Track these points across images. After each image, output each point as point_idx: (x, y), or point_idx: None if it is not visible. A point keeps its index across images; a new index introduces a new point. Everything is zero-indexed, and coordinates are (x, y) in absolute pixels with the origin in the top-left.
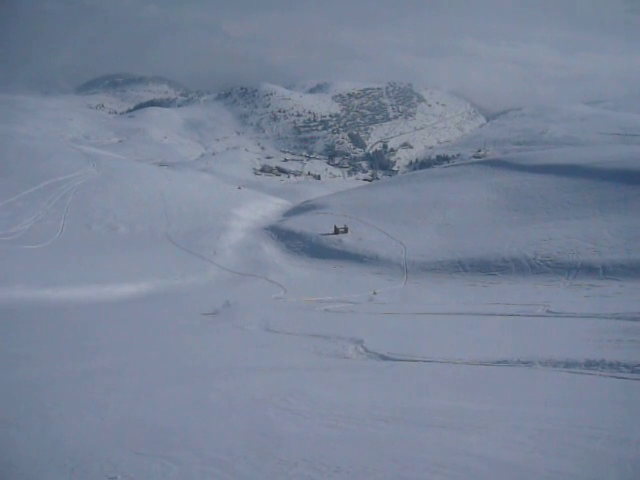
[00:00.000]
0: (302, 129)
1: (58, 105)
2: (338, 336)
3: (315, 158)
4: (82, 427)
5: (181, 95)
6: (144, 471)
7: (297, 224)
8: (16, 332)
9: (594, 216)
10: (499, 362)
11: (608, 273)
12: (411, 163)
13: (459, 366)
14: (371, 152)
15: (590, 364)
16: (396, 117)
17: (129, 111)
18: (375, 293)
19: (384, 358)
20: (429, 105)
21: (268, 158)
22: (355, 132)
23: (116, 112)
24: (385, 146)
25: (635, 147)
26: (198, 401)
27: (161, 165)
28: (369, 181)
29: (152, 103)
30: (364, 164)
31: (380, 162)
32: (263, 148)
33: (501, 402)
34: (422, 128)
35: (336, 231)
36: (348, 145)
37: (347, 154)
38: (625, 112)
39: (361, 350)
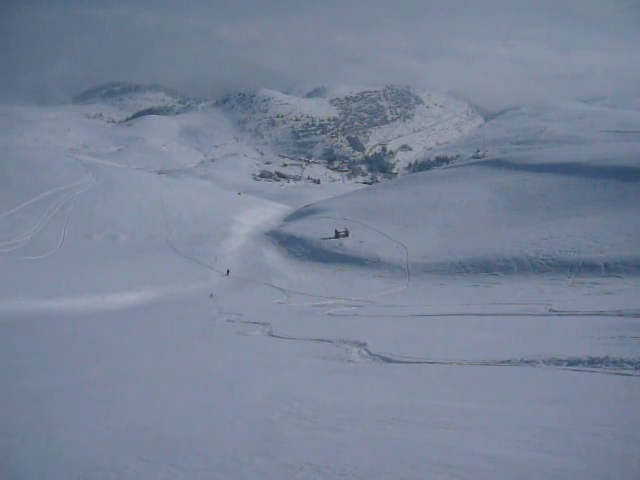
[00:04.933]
0: (300, 134)
1: (56, 115)
2: (341, 340)
3: (314, 162)
4: (87, 436)
5: (179, 102)
6: (150, 478)
7: (298, 229)
8: (18, 343)
9: (595, 214)
10: (502, 362)
11: (610, 270)
12: (410, 165)
13: (462, 367)
14: (370, 155)
15: (594, 362)
16: (394, 119)
17: (127, 120)
18: (212, 295)
19: (387, 361)
20: (427, 107)
21: (267, 163)
22: (354, 135)
23: (114, 121)
24: (384, 149)
25: (634, 144)
26: (202, 407)
27: (160, 173)
28: (369, 184)
29: (150, 111)
30: (363, 167)
31: (379, 165)
32: (262, 154)
33: (505, 401)
34: (420, 130)
35: (337, 235)
36: (347, 149)
37: (346, 158)
38: (624, 109)
39: (364, 353)
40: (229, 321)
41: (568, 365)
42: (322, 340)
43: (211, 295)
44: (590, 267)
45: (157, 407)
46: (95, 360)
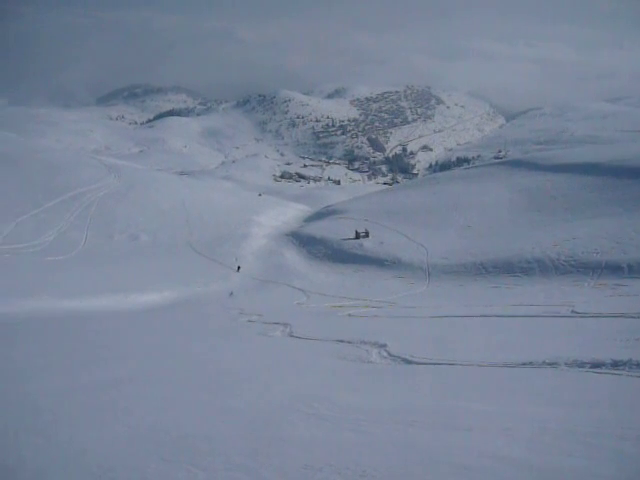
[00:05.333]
0: (321, 134)
1: (79, 117)
2: (361, 341)
3: (334, 163)
4: (108, 435)
5: (200, 104)
6: (171, 478)
7: (318, 229)
8: (41, 342)
9: (617, 214)
10: (524, 364)
11: (633, 272)
12: (431, 166)
13: (484, 368)
14: (390, 156)
15: (617, 364)
16: (415, 120)
17: (149, 121)
18: (232, 293)
19: (408, 362)
20: (448, 107)
21: (288, 164)
22: (374, 136)
23: (136, 122)
24: (404, 149)
25: None
26: (223, 407)
27: (182, 174)
28: (389, 185)
29: (171, 113)
30: (384, 168)
31: (400, 165)
32: (282, 154)
33: (527, 404)
34: (441, 130)
35: (357, 235)
36: (367, 149)
37: (366, 158)
38: None
39: (385, 354)
40: (250, 321)
41: (591, 367)
42: (342, 341)
43: (231, 293)
44: (613, 268)
45: (178, 407)
46: (116, 359)
